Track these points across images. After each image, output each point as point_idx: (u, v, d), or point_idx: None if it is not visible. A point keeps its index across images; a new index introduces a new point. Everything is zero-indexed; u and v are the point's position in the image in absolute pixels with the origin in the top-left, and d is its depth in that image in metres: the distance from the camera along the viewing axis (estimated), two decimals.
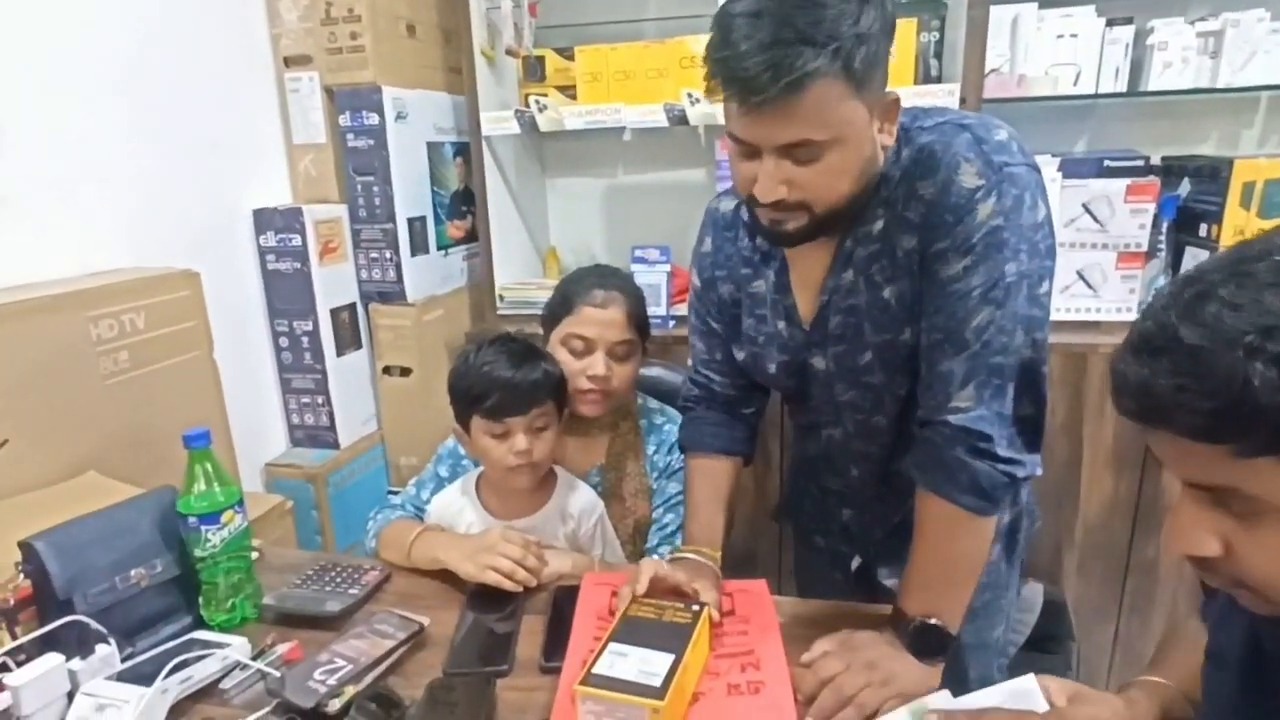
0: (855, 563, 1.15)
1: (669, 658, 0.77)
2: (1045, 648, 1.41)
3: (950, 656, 0.84)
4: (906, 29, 1.75)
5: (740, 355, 1.02)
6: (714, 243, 1.01)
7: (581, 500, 1.19)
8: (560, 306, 1.22)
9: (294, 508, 1.70)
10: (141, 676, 0.82)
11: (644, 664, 0.77)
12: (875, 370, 0.90)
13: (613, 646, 0.80)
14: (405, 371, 2.01)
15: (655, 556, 1.14)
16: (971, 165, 0.77)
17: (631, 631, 0.82)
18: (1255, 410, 0.43)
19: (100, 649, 0.85)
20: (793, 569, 1.33)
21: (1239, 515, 0.48)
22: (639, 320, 1.21)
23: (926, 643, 0.82)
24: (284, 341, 1.89)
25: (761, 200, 0.79)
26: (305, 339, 1.88)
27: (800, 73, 0.69)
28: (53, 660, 0.81)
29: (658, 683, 0.74)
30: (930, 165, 0.79)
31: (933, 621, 0.82)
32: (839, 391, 0.95)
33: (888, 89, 0.78)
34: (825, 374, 0.95)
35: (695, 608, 0.87)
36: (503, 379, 1.08)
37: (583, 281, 1.22)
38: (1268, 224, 1.48)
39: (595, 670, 0.76)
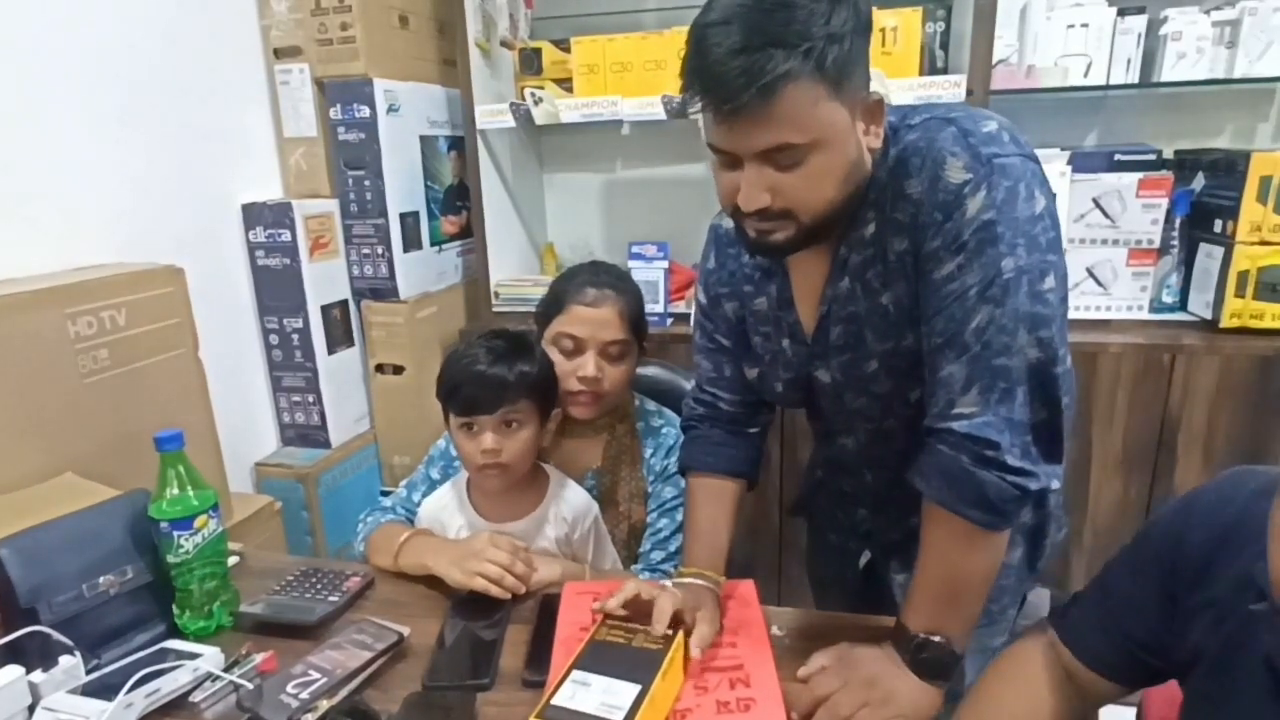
0: (864, 558, 1.12)
1: (635, 688, 0.73)
2: None
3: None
4: (911, 19, 1.71)
5: (751, 374, 1.00)
6: (718, 259, 1.00)
7: (575, 503, 1.15)
8: (552, 305, 1.18)
9: (284, 508, 1.68)
10: (107, 689, 0.79)
11: (608, 695, 0.72)
12: (881, 379, 0.87)
13: (575, 674, 0.75)
14: (398, 370, 1.98)
15: (656, 577, 1.11)
16: (958, 159, 0.74)
17: (597, 658, 0.78)
18: None
19: (64, 660, 0.82)
20: (804, 558, 1.30)
21: None
22: (634, 320, 1.17)
23: (930, 662, 0.79)
24: (274, 339, 1.86)
25: (745, 210, 0.77)
26: (295, 336, 1.84)
27: (772, 76, 0.67)
28: (12, 673, 0.78)
29: (620, 716, 0.70)
30: (916, 163, 0.77)
31: (937, 639, 0.79)
32: (848, 401, 0.93)
33: (871, 90, 0.76)
34: (832, 385, 0.93)
35: (669, 632, 0.81)
36: (473, 374, 1.04)
37: (575, 279, 1.18)
38: None
39: (555, 701, 0.72)
